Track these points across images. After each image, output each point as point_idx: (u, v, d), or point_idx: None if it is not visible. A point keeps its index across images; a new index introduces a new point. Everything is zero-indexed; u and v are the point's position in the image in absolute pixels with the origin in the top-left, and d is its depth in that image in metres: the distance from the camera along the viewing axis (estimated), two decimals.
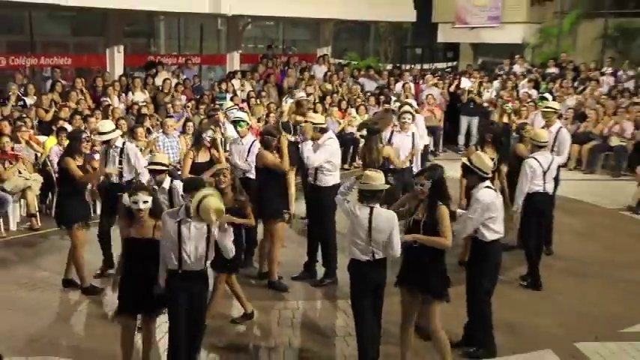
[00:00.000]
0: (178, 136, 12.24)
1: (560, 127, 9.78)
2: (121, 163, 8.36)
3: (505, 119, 13.71)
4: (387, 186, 6.04)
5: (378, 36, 27.01)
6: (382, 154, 9.05)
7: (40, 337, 7.10)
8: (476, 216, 6.27)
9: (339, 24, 22.76)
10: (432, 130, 16.06)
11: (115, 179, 8.39)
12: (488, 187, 6.41)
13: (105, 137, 8.29)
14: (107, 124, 8.62)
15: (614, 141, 14.81)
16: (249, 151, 8.76)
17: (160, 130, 12.21)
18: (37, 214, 10.26)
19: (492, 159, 7.52)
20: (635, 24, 22.51)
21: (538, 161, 8.18)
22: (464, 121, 17.21)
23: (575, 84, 18.42)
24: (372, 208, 5.80)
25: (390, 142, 9.55)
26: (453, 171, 11.92)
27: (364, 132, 10.28)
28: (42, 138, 11.56)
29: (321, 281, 8.57)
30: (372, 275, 5.96)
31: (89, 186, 8.81)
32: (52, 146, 10.86)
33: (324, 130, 8.54)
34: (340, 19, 21.32)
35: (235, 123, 9.28)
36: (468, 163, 6.55)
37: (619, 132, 14.88)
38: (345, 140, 14.58)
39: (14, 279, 8.59)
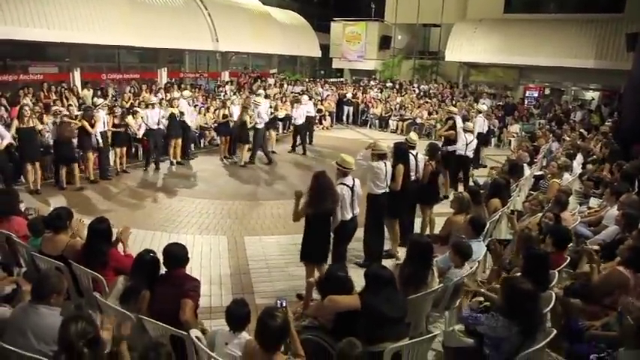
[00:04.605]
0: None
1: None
2: None
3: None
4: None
5: (301, 63, 26.51)
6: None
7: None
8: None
9: (281, 56, 22.21)
10: (329, 113, 16.30)
11: None
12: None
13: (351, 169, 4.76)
14: (350, 160, 4.75)
15: (419, 120, 15.27)
16: None
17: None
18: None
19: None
20: (427, 63, 22.98)
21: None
22: (345, 109, 17.29)
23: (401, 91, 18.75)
24: (385, 163, 5.27)
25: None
26: (340, 135, 11.98)
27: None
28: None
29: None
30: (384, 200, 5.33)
31: None
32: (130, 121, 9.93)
33: None
34: (281, 54, 20.87)
35: None
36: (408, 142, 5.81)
37: (420, 116, 15.42)
38: (285, 118, 14.37)
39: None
